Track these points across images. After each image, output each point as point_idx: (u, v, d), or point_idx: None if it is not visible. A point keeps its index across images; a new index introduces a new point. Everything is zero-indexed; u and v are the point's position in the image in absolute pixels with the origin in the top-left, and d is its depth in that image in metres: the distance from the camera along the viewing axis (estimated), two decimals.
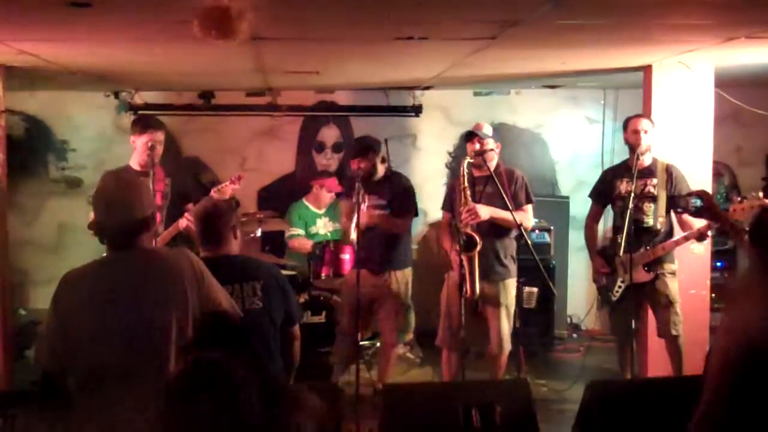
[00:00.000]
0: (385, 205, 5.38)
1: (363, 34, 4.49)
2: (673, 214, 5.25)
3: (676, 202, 5.04)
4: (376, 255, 5.35)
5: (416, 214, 5.61)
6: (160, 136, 5.13)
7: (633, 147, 5.19)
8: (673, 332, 5.18)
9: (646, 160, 5.23)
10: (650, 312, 5.36)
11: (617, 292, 5.26)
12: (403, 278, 5.49)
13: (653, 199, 5.20)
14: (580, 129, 7.92)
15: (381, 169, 5.44)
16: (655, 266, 5.17)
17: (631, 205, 5.03)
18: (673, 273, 5.24)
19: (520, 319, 5.03)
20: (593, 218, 5.66)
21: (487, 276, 5.04)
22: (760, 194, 4.33)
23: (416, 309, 5.65)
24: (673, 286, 5.20)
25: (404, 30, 4.28)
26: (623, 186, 5.27)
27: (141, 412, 2.55)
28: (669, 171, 5.25)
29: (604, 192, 5.49)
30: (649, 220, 5.20)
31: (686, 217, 5.17)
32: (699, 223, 4.91)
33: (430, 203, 7.03)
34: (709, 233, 4.91)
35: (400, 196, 5.44)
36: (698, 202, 4.31)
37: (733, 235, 4.52)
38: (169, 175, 5.26)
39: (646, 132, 5.17)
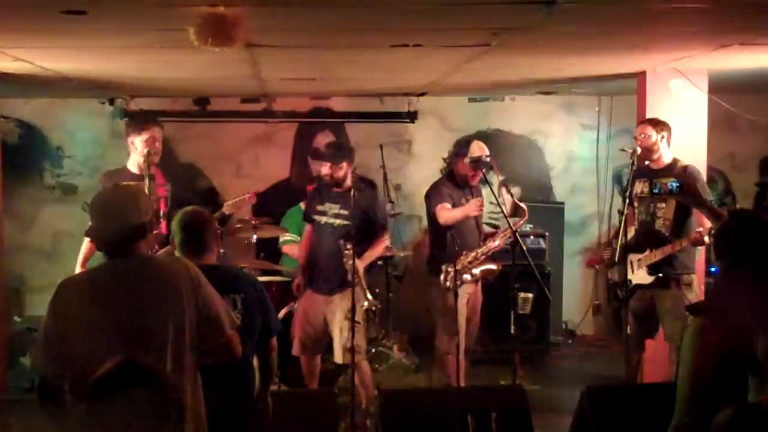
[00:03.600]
0: (346, 215, 5.08)
1: (358, 41, 4.50)
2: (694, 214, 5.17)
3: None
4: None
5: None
6: (159, 132, 4.85)
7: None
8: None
9: (665, 160, 5.14)
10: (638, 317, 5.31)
11: (623, 291, 5.14)
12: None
13: (665, 200, 5.15)
14: (575, 135, 7.93)
15: (349, 179, 5.20)
16: (668, 272, 5.05)
17: (641, 206, 5.08)
18: (689, 284, 5.07)
19: (516, 325, 5.03)
20: (628, 220, 5.28)
21: None
22: None
23: (411, 315, 5.63)
24: (690, 297, 4.99)
25: (399, 37, 4.29)
26: (639, 186, 5.20)
27: (137, 418, 2.56)
28: (685, 170, 5.08)
29: (629, 193, 5.32)
30: (660, 221, 5.17)
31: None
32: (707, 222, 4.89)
33: (425, 209, 7.00)
34: (706, 239, 4.86)
35: (367, 214, 5.16)
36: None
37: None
38: (169, 181, 5.03)
39: (644, 137, 5.13)
